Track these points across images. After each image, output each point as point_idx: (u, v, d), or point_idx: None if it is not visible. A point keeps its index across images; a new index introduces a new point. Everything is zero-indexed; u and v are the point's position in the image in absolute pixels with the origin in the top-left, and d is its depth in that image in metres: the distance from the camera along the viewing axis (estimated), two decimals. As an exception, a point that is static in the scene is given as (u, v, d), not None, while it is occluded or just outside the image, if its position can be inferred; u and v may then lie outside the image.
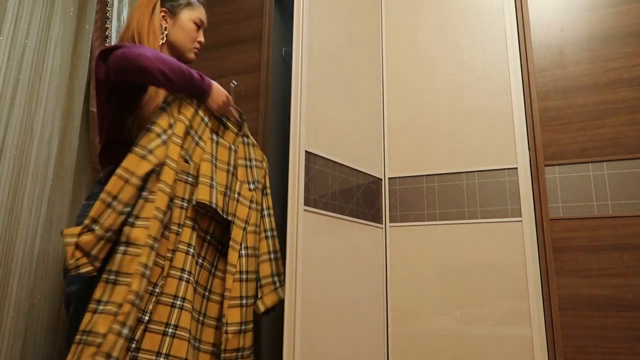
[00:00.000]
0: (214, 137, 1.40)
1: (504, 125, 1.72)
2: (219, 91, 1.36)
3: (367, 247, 1.73)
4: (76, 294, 1.15)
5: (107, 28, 1.92)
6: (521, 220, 1.63)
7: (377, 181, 1.84)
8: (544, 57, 1.73)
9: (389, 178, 1.87)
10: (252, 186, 1.48)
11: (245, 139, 1.52)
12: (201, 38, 1.48)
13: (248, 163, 1.50)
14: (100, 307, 1.09)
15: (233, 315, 1.34)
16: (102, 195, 1.12)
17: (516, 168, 1.67)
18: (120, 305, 1.08)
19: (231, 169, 1.43)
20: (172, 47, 1.43)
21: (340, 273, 1.57)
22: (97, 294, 1.10)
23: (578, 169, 1.61)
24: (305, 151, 1.49)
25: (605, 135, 1.60)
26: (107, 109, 1.29)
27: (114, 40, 1.94)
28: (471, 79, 1.81)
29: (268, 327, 1.89)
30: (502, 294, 1.61)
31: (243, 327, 1.36)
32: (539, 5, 1.77)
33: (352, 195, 1.69)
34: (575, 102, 1.66)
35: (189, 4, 1.46)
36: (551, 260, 1.58)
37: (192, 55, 1.47)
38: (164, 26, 1.41)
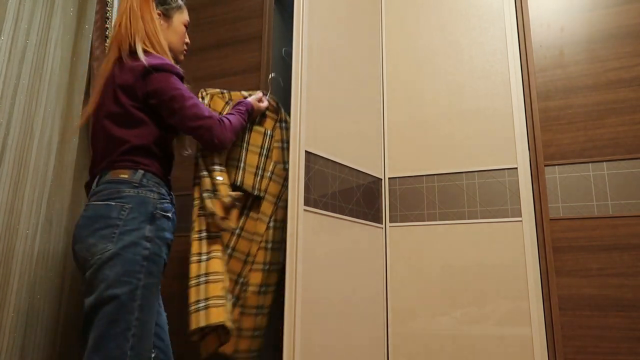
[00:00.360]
0: (248, 125, 1.61)
1: (504, 126, 1.72)
2: (257, 113, 1.60)
3: (367, 247, 1.73)
4: (124, 295, 1.15)
5: (107, 28, 1.92)
6: (521, 220, 1.63)
7: (377, 181, 1.84)
8: (544, 57, 1.73)
9: (389, 178, 1.87)
10: (287, 166, 1.64)
11: (283, 124, 1.71)
12: (188, 39, 1.53)
13: (284, 145, 1.69)
14: (204, 257, 1.37)
15: (254, 278, 1.54)
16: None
17: (516, 168, 1.67)
18: (223, 252, 1.41)
19: (264, 151, 1.63)
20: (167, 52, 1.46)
21: (340, 273, 1.57)
22: (195, 249, 1.39)
23: (578, 169, 1.61)
24: (305, 151, 1.49)
25: (605, 135, 1.60)
26: (145, 117, 1.30)
27: (114, 40, 1.94)
28: (471, 79, 1.81)
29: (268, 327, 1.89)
30: (502, 294, 1.61)
31: (262, 289, 1.55)
32: (539, 5, 1.77)
33: (352, 195, 1.69)
34: (575, 102, 1.66)
35: (179, 7, 1.49)
36: (551, 260, 1.58)
37: (182, 57, 1.52)
38: (163, 33, 1.44)
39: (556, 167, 1.64)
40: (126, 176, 1.26)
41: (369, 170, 1.80)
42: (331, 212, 1.56)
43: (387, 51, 2.00)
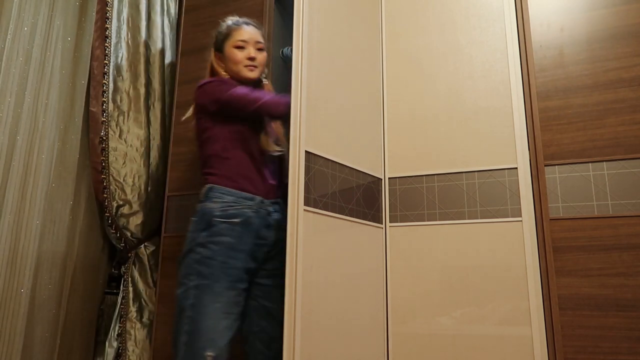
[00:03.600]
0: None
1: (504, 125, 1.72)
2: None
3: (367, 247, 1.73)
4: (180, 295, 1.36)
5: (107, 28, 1.92)
6: (521, 220, 1.63)
7: (377, 181, 1.84)
8: (544, 57, 1.73)
9: (389, 178, 1.87)
10: None
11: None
12: (251, 54, 1.57)
13: None
14: None
15: None
16: None
17: (516, 168, 1.67)
18: None
19: None
20: (232, 79, 1.57)
21: (340, 273, 1.57)
22: None
23: (578, 169, 1.61)
24: (305, 151, 1.49)
25: (605, 135, 1.60)
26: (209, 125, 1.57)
27: (113, 40, 1.94)
28: (471, 78, 1.81)
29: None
30: (502, 294, 1.61)
31: None
32: (539, 5, 1.77)
33: (352, 195, 1.69)
34: (575, 102, 1.66)
35: (227, 35, 1.59)
36: (551, 260, 1.58)
37: (248, 74, 1.57)
38: (222, 68, 1.58)
39: (556, 167, 1.64)
40: (200, 194, 1.46)
41: (369, 170, 1.80)
42: (331, 212, 1.56)
43: (387, 51, 2.00)
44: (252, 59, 1.57)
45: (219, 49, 1.60)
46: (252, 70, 1.57)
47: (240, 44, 1.57)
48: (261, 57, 1.60)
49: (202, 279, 1.32)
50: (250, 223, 1.42)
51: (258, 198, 1.47)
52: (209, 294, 1.31)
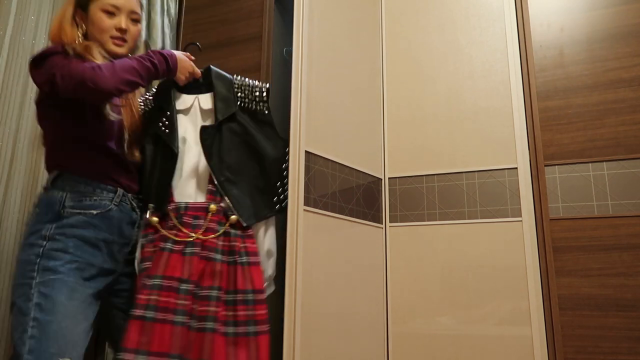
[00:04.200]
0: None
1: (504, 125, 1.72)
2: (184, 64, 1.38)
3: (367, 247, 1.73)
4: (19, 299, 1.13)
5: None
6: (521, 220, 1.63)
7: (377, 181, 1.84)
8: (544, 57, 1.73)
9: (389, 178, 1.87)
10: None
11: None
12: (121, 24, 1.28)
13: None
14: None
15: None
16: None
17: (516, 168, 1.67)
18: None
19: None
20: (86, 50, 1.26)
21: (340, 273, 1.57)
22: None
23: (578, 169, 1.61)
24: (305, 151, 1.49)
25: (605, 135, 1.60)
26: (54, 111, 1.27)
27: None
28: (471, 79, 1.81)
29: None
30: (502, 294, 1.61)
31: None
32: (539, 5, 1.77)
33: (352, 195, 1.69)
34: (575, 102, 1.66)
35: None
36: (551, 260, 1.58)
37: (113, 48, 1.28)
38: (82, 28, 1.27)
39: (556, 167, 1.64)
40: (47, 181, 1.23)
41: (369, 170, 1.80)
42: (331, 212, 1.56)
43: (387, 51, 2.00)
44: (122, 30, 1.27)
45: (84, 6, 1.28)
46: (119, 45, 1.28)
47: (111, 8, 1.27)
48: (134, 30, 1.31)
49: (50, 273, 1.10)
50: (111, 217, 1.22)
51: (120, 190, 1.26)
52: (61, 290, 1.10)
